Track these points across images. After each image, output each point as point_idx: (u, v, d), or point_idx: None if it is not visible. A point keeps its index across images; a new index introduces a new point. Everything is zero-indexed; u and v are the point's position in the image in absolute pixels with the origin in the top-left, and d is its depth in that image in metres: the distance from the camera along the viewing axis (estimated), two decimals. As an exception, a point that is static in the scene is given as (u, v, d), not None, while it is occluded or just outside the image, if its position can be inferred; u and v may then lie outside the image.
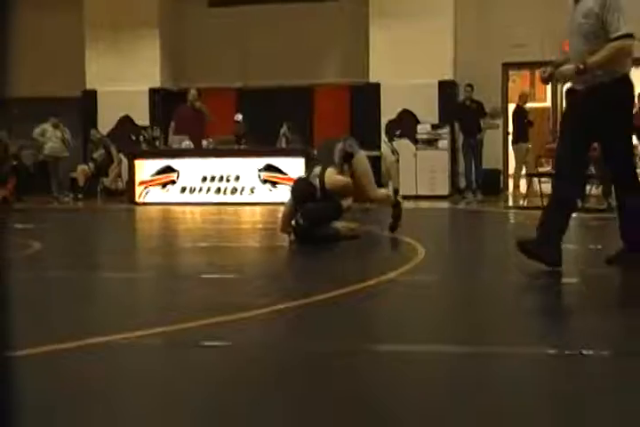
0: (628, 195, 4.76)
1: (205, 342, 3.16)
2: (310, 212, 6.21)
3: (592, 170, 10.26)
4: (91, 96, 14.08)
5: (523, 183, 12.47)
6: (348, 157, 6.47)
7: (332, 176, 6.39)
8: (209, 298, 4.37)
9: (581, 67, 4.56)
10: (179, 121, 12.60)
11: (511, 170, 13.70)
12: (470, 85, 12.85)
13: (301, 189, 6.40)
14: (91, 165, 13.21)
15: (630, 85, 4.75)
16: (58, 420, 2.31)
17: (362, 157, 6.62)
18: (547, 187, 11.21)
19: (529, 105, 15.09)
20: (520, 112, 12.78)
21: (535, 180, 10.95)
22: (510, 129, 13.37)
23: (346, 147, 6.48)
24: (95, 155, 13.24)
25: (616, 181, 4.95)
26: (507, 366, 2.82)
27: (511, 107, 13.64)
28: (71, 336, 3.26)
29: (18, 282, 4.74)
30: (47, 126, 13.07)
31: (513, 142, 12.82)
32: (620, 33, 4.53)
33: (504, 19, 13.48)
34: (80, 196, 12.98)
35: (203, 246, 6.47)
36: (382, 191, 6.87)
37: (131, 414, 2.39)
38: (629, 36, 4.55)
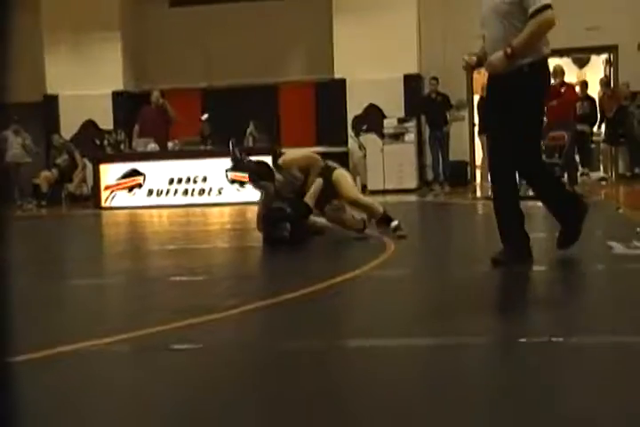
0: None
1: (175, 346, 3.13)
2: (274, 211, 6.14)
3: (557, 158, 10.37)
4: (52, 101, 13.92)
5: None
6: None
7: (288, 156, 6.43)
8: (178, 301, 4.33)
9: (509, 51, 4.29)
10: (143, 124, 12.51)
11: (478, 161, 13.78)
12: (435, 78, 12.89)
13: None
14: (54, 170, 13.06)
15: (548, 71, 4.60)
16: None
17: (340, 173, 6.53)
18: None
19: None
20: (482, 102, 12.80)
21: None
22: (476, 120, 13.44)
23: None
24: (58, 160, 13.09)
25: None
26: (475, 357, 2.83)
27: (476, 98, 13.70)
28: (39, 345, 3.21)
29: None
30: (8, 133, 12.90)
31: (479, 133, 12.88)
32: (538, 5, 4.25)
33: (468, 11, 13.53)
34: (44, 202, 12.82)
35: (171, 249, 6.43)
36: (367, 200, 6.71)
37: (101, 421, 2.36)
38: (549, 6, 4.28)
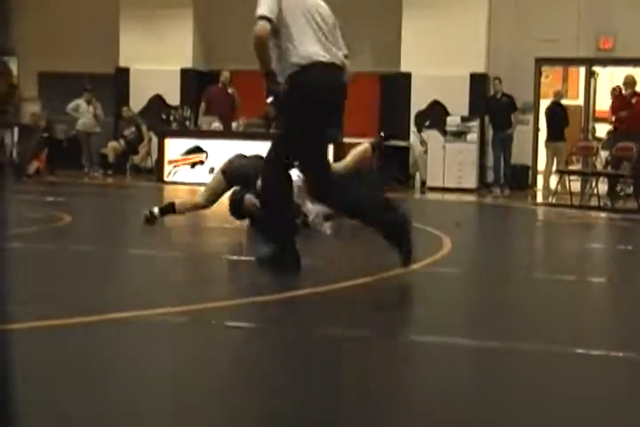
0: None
1: (230, 323, 3.19)
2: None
3: (626, 170, 10.17)
4: (123, 74, 14.13)
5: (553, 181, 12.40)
6: None
7: None
8: (234, 279, 4.41)
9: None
10: (209, 102, 12.63)
11: (540, 166, 13.61)
12: (498, 79, 12.73)
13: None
14: (121, 141, 13.28)
15: (314, 74, 4.30)
16: (83, 388, 2.34)
17: None
18: (576, 185, 11.18)
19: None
20: (556, 109, 12.52)
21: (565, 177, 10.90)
22: (543, 125, 13.23)
23: None
24: (126, 132, 13.30)
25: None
26: (521, 363, 2.83)
27: (543, 103, 13.50)
28: (90, 310, 3.30)
29: (46, 254, 4.81)
30: (81, 102, 13.16)
31: (548, 140, 12.62)
32: (256, 15, 4.18)
33: (539, 13, 13.33)
34: (109, 172, 13.07)
35: (227, 227, 6.48)
36: None
37: (141, 388, 2.42)
38: (259, 17, 4.16)
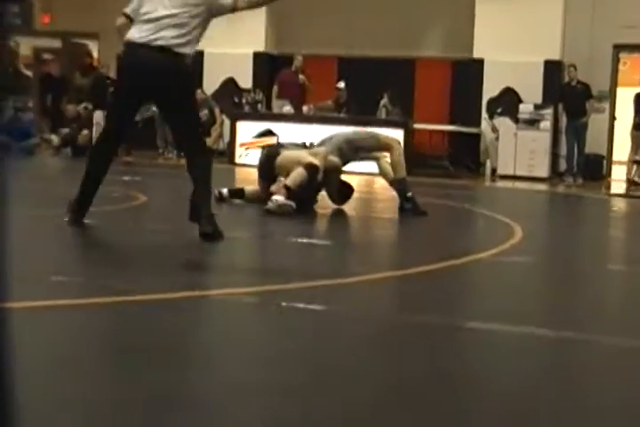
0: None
1: (300, 304, 3.24)
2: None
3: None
4: (197, 57, 14.32)
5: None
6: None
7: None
8: (304, 263, 4.47)
9: None
10: (281, 86, 12.71)
11: (617, 156, 13.30)
12: (573, 66, 12.46)
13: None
14: (194, 124, 13.46)
15: (129, 53, 4.74)
16: (172, 359, 2.43)
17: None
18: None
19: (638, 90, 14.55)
20: None
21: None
22: (620, 114, 12.89)
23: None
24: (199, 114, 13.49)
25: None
26: (587, 354, 2.81)
27: (620, 91, 13.16)
28: (165, 287, 3.40)
29: (123, 233, 4.95)
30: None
31: (634, 129, 12.32)
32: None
33: (618, -1, 12.97)
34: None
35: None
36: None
37: (217, 366, 2.49)
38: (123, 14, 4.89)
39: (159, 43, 4.57)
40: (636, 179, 10.77)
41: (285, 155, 6.34)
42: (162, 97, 4.73)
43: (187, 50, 4.63)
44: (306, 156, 6.31)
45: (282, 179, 6.10)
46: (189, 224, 4.57)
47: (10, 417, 1.03)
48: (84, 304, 3.11)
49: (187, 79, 4.80)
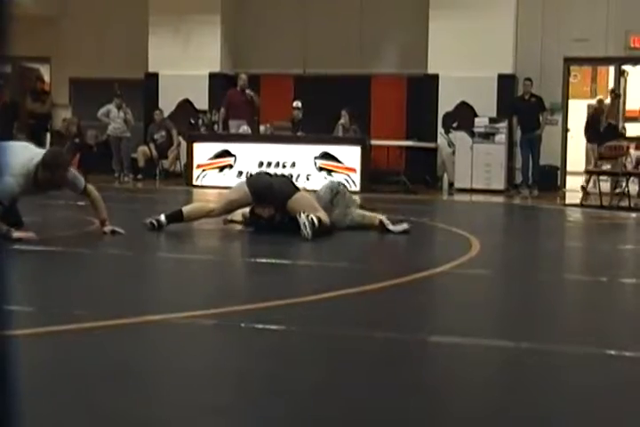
0: None
1: (258, 325, 3.22)
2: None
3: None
4: (152, 79, 14.27)
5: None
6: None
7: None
8: (264, 282, 4.44)
9: None
10: (229, 106, 12.68)
11: (570, 167, 13.53)
12: (529, 79, 12.68)
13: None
14: (151, 146, 13.39)
15: None
16: (115, 387, 2.39)
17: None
18: (606, 185, 11.10)
19: (588, 102, 14.85)
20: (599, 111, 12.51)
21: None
22: (572, 126, 13.13)
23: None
24: (156, 136, 13.43)
25: None
26: (552, 364, 2.83)
27: (572, 103, 13.40)
28: (127, 313, 3.36)
29: (79, 258, 4.88)
30: (111, 107, 13.30)
31: (589, 141, 12.57)
32: None
33: (568, 12, 13.24)
34: (140, 176, 13.19)
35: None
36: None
37: (174, 387, 2.46)
38: None
39: None
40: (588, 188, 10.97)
41: (305, 196, 6.40)
42: None
43: None
44: (322, 210, 6.35)
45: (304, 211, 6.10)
46: (146, 247, 4.53)
47: None
48: (39, 333, 3.06)
49: None
